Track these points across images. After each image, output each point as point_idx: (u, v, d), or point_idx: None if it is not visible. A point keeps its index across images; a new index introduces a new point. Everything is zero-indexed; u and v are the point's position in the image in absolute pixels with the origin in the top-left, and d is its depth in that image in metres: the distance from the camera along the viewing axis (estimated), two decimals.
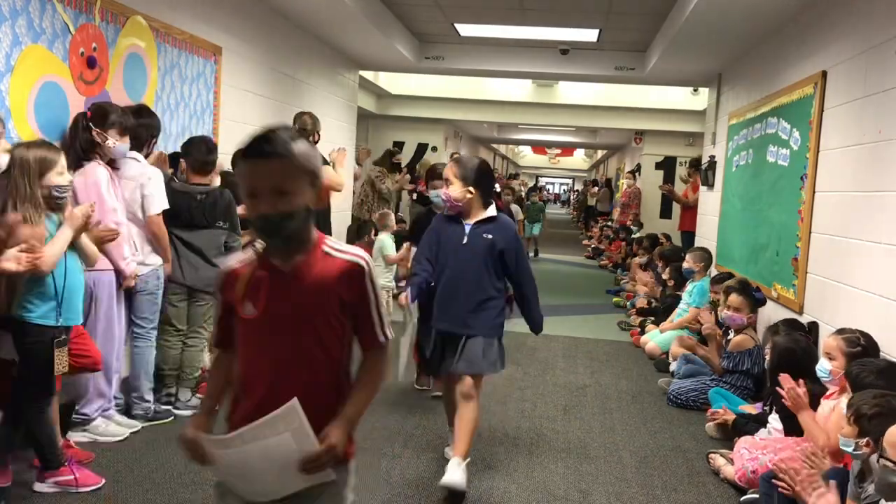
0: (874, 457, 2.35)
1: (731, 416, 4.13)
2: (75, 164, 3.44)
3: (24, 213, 2.83)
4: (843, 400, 3.12)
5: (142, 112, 3.94)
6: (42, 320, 2.90)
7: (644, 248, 9.61)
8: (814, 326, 4.30)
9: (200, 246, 4.03)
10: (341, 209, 8.28)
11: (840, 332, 3.46)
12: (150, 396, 3.91)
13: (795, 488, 2.88)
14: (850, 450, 2.62)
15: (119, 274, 3.60)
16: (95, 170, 3.46)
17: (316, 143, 6.18)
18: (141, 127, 3.84)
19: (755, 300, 4.83)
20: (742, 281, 5.36)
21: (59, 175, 2.93)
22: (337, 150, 5.96)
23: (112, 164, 3.61)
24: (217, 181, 4.28)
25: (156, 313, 3.90)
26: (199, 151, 4.17)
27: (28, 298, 2.89)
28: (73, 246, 3.02)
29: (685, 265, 6.41)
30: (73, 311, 3.02)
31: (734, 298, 4.78)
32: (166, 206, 3.81)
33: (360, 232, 8.18)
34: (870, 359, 3.17)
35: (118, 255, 3.54)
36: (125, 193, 3.71)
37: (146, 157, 3.91)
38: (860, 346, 3.28)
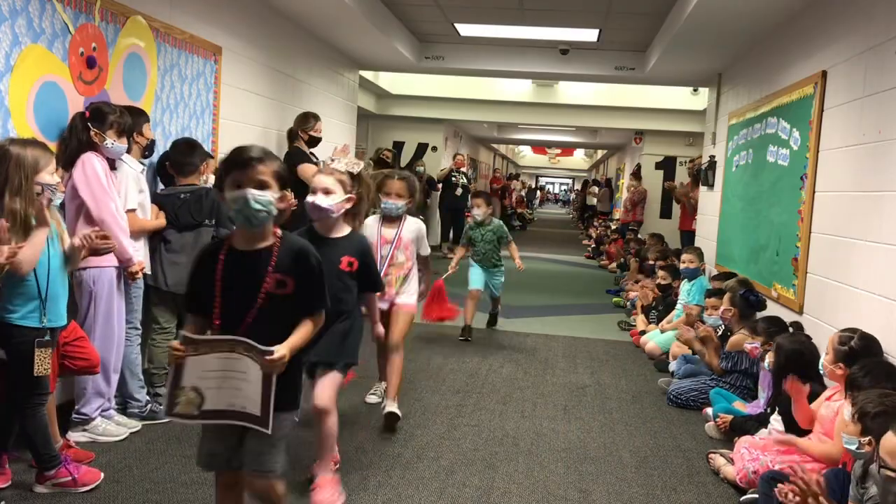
0: (874, 465, 2.33)
1: (728, 417, 4.14)
2: (72, 164, 3.45)
3: (15, 205, 2.82)
4: (846, 403, 3.12)
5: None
6: (24, 321, 2.89)
7: (655, 249, 9.49)
8: (796, 325, 4.31)
9: (184, 246, 4.04)
10: None
11: (842, 330, 3.46)
12: (139, 395, 3.90)
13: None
14: (853, 448, 2.62)
15: (123, 267, 3.61)
16: (93, 160, 3.46)
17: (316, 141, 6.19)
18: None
19: (740, 298, 4.87)
20: (742, 280, 5.41)
21: (51, 175, 2.95)
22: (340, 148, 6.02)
23: (111, 164, 3.61)
24: (210, 180, 4.26)
25: (132, 312, 3.87)
26: (178, 153, 4.24)
27: (10, 300, 2.88)
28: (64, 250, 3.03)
29: (685, 265, 6.43)
30: (56, 312, 3.00)
31: (726, 295, 4.96)
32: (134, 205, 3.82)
33: None
34: (870, 360, 3.17)
35: (122, 249, 3.54)
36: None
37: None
38: (848, 346, 3.29)
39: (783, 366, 3.70)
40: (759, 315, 4.91)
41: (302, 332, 2.35)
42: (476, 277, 6.54)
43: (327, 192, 3.05)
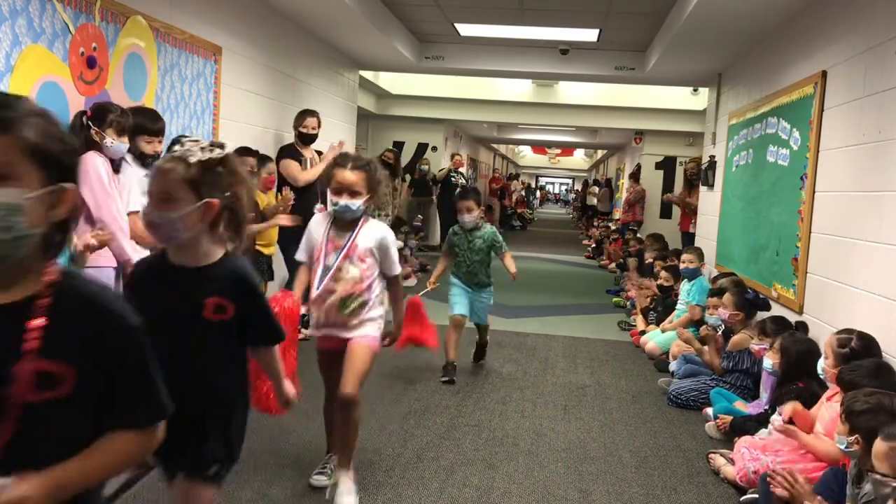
0: (875, 475, 2.34)
1: (728, 418, 4.15)
2: None
3: None
4: None
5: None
6: None
7: (653, 248, 9.44)
8: (801, 326, 4.32)
9: None
10: None
11: (839, 331, 3.48)
12: None
13: (791, 493, 2.84)
14: (843, 447, 2.64)
15: (123, 268, 3.61)
16: (94, 159, 3.47)
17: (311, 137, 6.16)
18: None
19: (744, 301, 4.87)
20: (736, 281, 5.43)
21: None
22: (336, 144, 6.04)
23: (114, 165, 3.61)
24: None
25: None
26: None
27: None
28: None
29: (684, 265, 6.44)
30: None
31: (726, 297, 4.96)
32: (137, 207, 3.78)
33: None
34: (858, 361, 3.18)
35: (121, 250, 3.55)
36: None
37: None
38: (848, 348, 3.30)
39: (794, 366, 3.71)
40: (760, 314, 4.92)
41: (95, 458, 1.25)
42: (458, 299, 5.19)
43: (165, 197, 1.86)
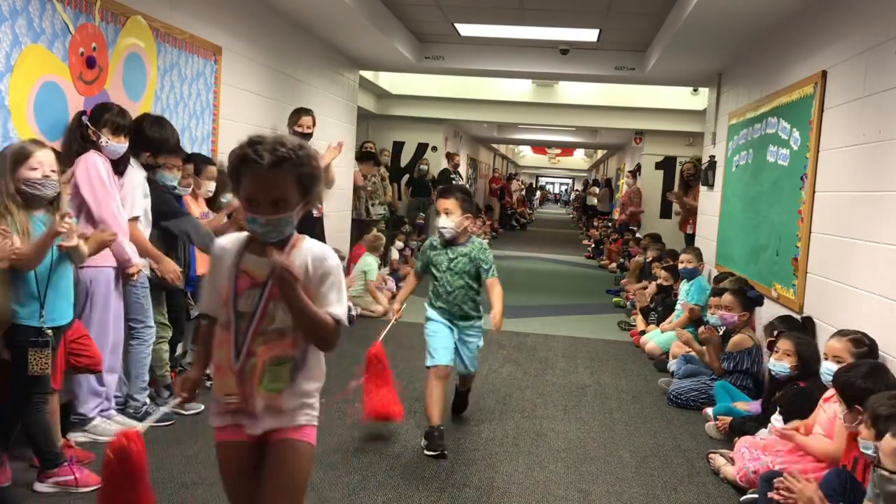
0: (883, 471, 2.34)
1: (727, 419, 4.14)
2: (74, 162, 3.46)
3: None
4: (841, 404, 3.11)
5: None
6: (25, 321, 2.90)
7: (653, 248, 9.43)
8: (808, 322, 4.32)
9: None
10: (339, 209, 8.28)
11: (841, 333, 3.46)
12: (140, 396, 3.90)
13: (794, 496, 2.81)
14: (869, 452, 2.63)
15: (120, 269, 3.61)
16: (94, 158, 3.47)
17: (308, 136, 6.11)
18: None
19: (748, 300, 4.87)
20: (737, 280, 5.42)
21: (31, 170, 2.89)
22: (334, 145, 5.99)
23: (118, 166, 3.61)
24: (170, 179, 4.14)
25: (145, 314, 3.85)
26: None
27: (15, 300, 2.89)
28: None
29: (683, 265, 6.44)
30: (57, 311, 2.99)
31: (726, 297, 4.92)
32: (138, 213, 3.77)
33: (360, 234, 8.31)
34: (853, 362, 3.17)
35: (121, 250, 3.54)
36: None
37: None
38: (866, 346, 3.29)
39: (807, 368, 3.71)
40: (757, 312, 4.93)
41: None
42: (439, 342, 3.86)
43: None
